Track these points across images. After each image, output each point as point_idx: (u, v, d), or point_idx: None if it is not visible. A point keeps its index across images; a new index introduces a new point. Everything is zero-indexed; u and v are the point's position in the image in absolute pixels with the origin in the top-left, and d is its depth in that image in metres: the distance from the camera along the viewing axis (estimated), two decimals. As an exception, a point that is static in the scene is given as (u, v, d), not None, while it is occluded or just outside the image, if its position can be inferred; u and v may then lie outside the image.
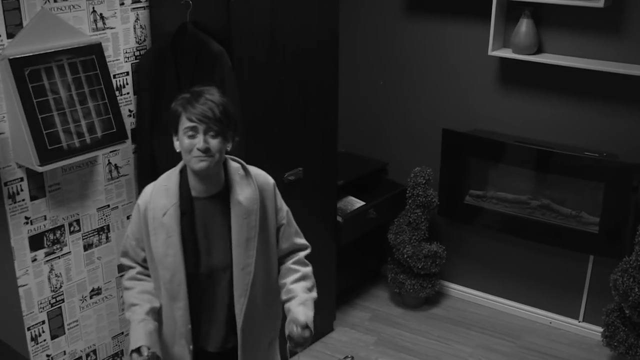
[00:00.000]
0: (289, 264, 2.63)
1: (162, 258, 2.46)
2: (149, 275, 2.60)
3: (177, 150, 2.41)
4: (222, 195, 2.46)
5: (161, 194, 2.47)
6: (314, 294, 2.61)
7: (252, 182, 2.49)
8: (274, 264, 2.61)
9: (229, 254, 2.45)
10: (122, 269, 2.79)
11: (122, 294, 2.67)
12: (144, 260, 2.59)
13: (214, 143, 2.34)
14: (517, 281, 4.62)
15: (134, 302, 2.56)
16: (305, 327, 2.46)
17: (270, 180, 2.57)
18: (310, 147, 3.89)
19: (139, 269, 2.62)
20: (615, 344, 3.98)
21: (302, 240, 2.69)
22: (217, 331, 2.54)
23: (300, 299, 2.54)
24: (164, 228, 2.44)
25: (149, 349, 2.45)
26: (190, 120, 2.31)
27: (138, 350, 2.45)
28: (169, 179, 2.49)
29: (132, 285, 2.60)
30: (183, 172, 2.48)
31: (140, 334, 2.48)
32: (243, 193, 2.46)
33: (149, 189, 2.53)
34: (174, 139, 2.40)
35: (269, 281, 2.59)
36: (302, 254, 2.67)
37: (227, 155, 2.47)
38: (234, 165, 2.51)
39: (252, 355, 2.58)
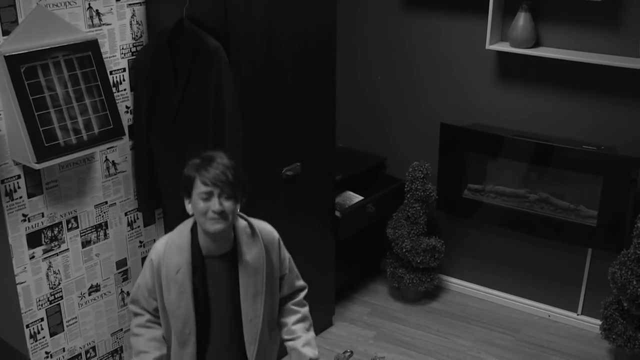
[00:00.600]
0: (290, 305, 2.82)
1: (174, 310, 2.61)
2: (158, 323, 2.74)
3: (190, 213, 2.54)
4: (231, 254, 2.61)
5: (174, 251, 2.59)
6: (313, 334, 2.84)
7: (258, 241, 2.64)
8: (277, 305, 2.79)
9: (237, 308, 2.62)
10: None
11: (130, 340, 2.79)
12: (155, 309, 2.72)
13: (228, 205, 2.46)
14: (516, 275, 4.63)
15: (143, 350, 2.70)
16: None
17: (275, 235, 2.72)
18: (308, 142, 3.89)
19: (148, 316, 2.74)
20: (614, 336, 3.98)
21: (301, 282, 2.87)
22: None
23: (304, 339, 2.77)
24: (177, 284, 2.58)
25: None
26: (205, 184, 2.43)
27: None
28: (180, 237, 2.61)
29: (141, 333, 2.73)
30: (194, 231, 2.60)
31: None
32: (250, 253, 2.61)
33: (161, 244, 2.64)
34: (186, 202, 2.53)
35: (272, 320, 2.78)
36: (302, 294, 2.86)
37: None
38: (242, 225, 2.63)
39: None
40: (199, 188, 2.45)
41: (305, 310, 2.85)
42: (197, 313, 2.60)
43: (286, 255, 2.79)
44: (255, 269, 2.61)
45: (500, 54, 4.24)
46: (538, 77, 4.18)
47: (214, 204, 2.44)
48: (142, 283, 2.70)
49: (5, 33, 2.97)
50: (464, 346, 4.31)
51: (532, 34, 4.01)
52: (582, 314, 4.46)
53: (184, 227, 2.63)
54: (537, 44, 4.08)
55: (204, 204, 2.45)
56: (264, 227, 2.71)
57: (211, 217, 2.45)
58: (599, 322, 4.21)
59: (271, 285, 2.69)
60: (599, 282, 4.26)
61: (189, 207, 2.53)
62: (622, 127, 4.00)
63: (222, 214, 2.45)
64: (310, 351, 2.75)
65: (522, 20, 3.99)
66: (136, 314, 2.77)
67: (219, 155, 2.50)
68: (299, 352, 2.75)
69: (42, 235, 3.33)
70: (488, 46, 4.11)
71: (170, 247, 2.61)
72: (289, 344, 2.79)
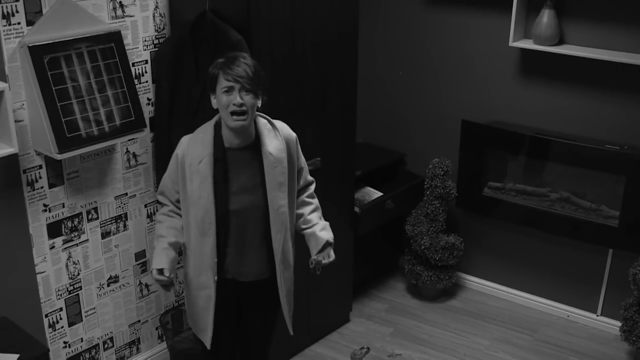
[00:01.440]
0: (303, 197, 3.09)
1: (196, 200, 2.82)
2: (179, 214, 2.97)
3: (215, 107, 2.78)
4: (253, 146, 2.85)
5: (197, 144, 2.83)
6: (326, 222, 3.11)
7: (279, 135, 2.89)
8: (295, 201, 3.03)
9: (263, 196, 2.84)
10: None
11: (154, 225, 3.15)
12: (177, 200, 2.96)
13: (248, 99, 2.71)
14: (535, 274, 4.60)
15: (162, 234, 2.94)
16: (331, 245, 3.01)
17: (292, 133, 2.98)
18: (328, 138, 3.88)
19: (171, 207, 2.98)
20: (634, 338, 3.95)
21: (309, 176, 3.14)
22: (251, 263, 2.92)
23: (320, 225, 3.06)
24: (199, 174, 2.80)
25: (170, 272, 2.86)
26: (228, 79, 2.68)
27: (161, 271, 2.85)
28: (204, 131, 2.85)
29: (163, 220, 2.98)
30: (217, 126, 2.84)
31: (164, 259, 2.87)
32: (272, 144, 2.85)
33: (185, 139, 2.88)
34: (212, 97, 2.77)
35: (292, 214, 3.01)
36: (312, 187, 3.14)
37: (256, 113, 2.83)
38: (262, 121, 2.89)
39: (286, 279, 3.01)
40: (222, 83, 2.70)
41: (317, 201, 3.14)
42: (217, 203, 2.80)
43: (301, 154, 3.05)
44: (278, 160, 2.85)
45: (524, 51, 4.21)
46: (561, 75, 4.14)
47: (235, 97, 2.69)
48: (167, 176, 2.96)
49: (30, 23, 2.98)
50: (482, 345, 4.29)
51: (556, 31, 3.97)
52: (601, 314, 4.43)
53: (208, 123, 2.87)
54: (560, 42, 4.04)
55: (227, 97, 2.70)
56: (283, 125, 2.96)
57: (232, 110, 2.70)
58: (618, 323, 4.17)
59: (291, 179, 2.93)
60: (620, 283, 4.22)
61: (214, 102, 2.77)
62: (646, 126, 3.96)
63: (242, 106, 2.69)
64: (327, 234, 3.02)
65: (546, 17, 3.95)
66: (162, 204, 3.02)
67: (242, 54, 2.77)
68: (316, 236, 3.01)
69: (63, 226, 3.34)
70: (511, 43, 4.08)
71: (195, 140, 2.85)
72: (307, 231, 3.05)
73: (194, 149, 2.84)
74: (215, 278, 2.90)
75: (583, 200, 4.24)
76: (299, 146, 3.02)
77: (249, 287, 2.98)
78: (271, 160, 2.84)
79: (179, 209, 2.98)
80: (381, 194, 4.49)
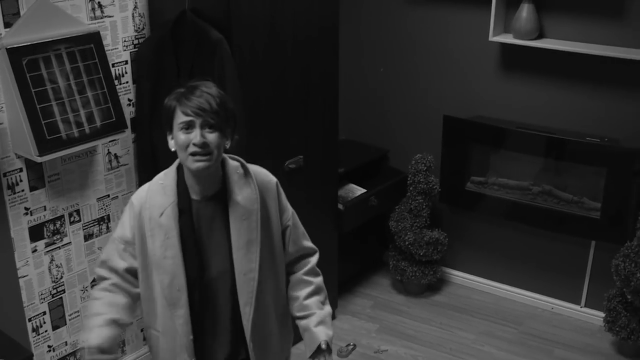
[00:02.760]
0: (300, 274, 2.50)
1: (160, 261, 2.29)
2: (125, 289, 2.40)
3: (172, 150, 2.25)
4: (220, 196, 2.31)
5: (158, 192, 2.31)
6: (329, 308, 2.51)
7: (251, 182, 2.34)
8: (282, 271, 2.47)
9: (228, 258, 2.30)
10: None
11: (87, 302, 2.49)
12: (126, 270, 2.38)
13: (212, 137, 2.18)
14: (519, 267, 4.62)
15: (98, 311, 2.34)
16: (328, 348, 2.41)
17: (272, 178, 2.42)
18: (311, 135, 3.87)
19: (114, 279, 2.39)
20: (617, 329, 3.98)
21: (310, 244, 2.55)
22: (222, 344, 2.38)
23: (318, 317, 2.44)
24: (162, 229, 2.28)
25: (112, 353, 2.29)
26: (186, 113, 2.16)
27: (97, 349, 2.25)
28: (165, 177, 2.34)
29: (101, 296, 2.38)
30: (180, 170, 2.33)
31: (101, 334, 2.28)
32: (242, 193, 2.31)
33: (143, 188, 2.37)
34: (169, 137, 2.25)
35: (279, 290, 2.46)
36: (313, 260, 2.53)
37: (225, 154, 2.32)
38: (233, 164, 2.35)
39: None
40: (180, 118, 2.17)
41: (319, 280, 2.51)
42: (186, 264, 2.27)
43: (288, 206, 2.47)
44: (248, 212, 2.29)
45: (504, 45, 4.22)
46: (541, 69, 4.16)
47: (196, 136, 2.16)
48: (118, 236, 2.39)
49: (7, 25, 2.95)
50: (467, 339, 4.30)
51: (536, 25, 3.99)
52: (585, 306, 4.45)
53: (170, 168, 2.35)
54: (540, 36, 4.05)
55: (185, 136, 2.17)
56: (259, 169, 2.41)
57: (192, 151, 2.17)
58: (602, 314, 4.20)
59: (269, 238, 2.36)
60: (602, 275, 4.25)
61: (171, 144, 2.24)
62: (626, 118, 3.98)
63: (204, 146, 2.16)
64: (323, 332, 2.41)
65: (525, 11, 3.97)
66: (101, 278, 2.41)
67: (205, 84, 2.23)
68: (311, 334, 2.42)
69: (44, 229, 3.32)
70: (491, 38, 4.09)
71: (154, 188, 2.32)
72: (301, 323, 2.46)
73: (155, 197, 2.30)
74: None
75: (565, 193, 4.26)
76: (282, 196, 2.44)
77: None
78: (239, 213, 2.28)
79: (127, 281, 2.39)
80: (364, 190, 4.49)
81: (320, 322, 2.43)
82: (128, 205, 2.38)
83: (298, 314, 2.48)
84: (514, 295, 4.68)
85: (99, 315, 2.32)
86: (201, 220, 2.31)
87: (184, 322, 2.30)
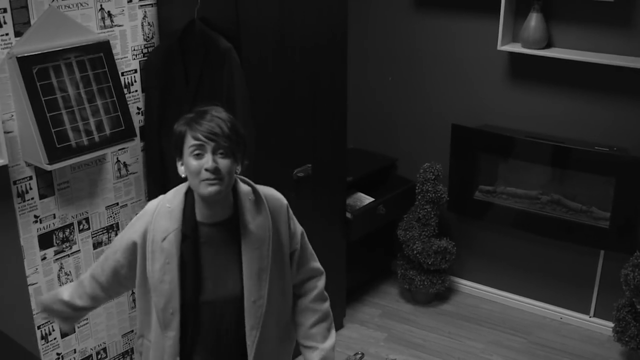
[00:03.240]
0: (308, 302, 2.48)
1: (157, 284, 2.28)
2: (100, 283, 2.44)
3: (182, 176, 2.23)
4: (231, 222, 2.28)
5: (164, 216, 2.29)
6: (333, 340, 2.50)
7: (263, 208, 2.32)
8: (289, 292, 2.45)
9: (239, 285, 2.29)
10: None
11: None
12: (106, 281, 2.42)
13: (224, 163, 2.15)
14: (527, 277, 4.60)
15: (69, 288, 2.50)
16: None
17: (283, 201, 2.40)
18: (319, 144, 3.88)
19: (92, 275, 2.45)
20: (627, 339, 3.96)
21: (317, 265, 2.52)
22: None
23: (320, 352, 2.46)
24: (163, 253, 2.26)
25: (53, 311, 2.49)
26: (197, 138, 2.13)
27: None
28: (173, 201, 2.31)
29: (67, 287, 2.52)
30: (189, 195, 2.29)
31: (49, 298, 2.51)
32: (254, 221, 2.28)
33: (152, 206, 2.35)
34: (178, 164, 2.23)
35: (284, 311, 2.46)
36: (320, 285, 2.51)
37: (237, 176, 2.30)
38: (244, 190, 2.31)
39: None
40: (190, 142, 2.14)
41: (326, 306, 2.50)
42: (183, 291, 2.26)
43: (298, 228, 2.44)
44: (261, 240, 2.28)
45: (512, 54, 4.22)
46: (550, 78, 4.16)
47: (207, 161, 2.12)
48: (114, 246, 2.39)
49: (18, 34, 2.97)
50: (476, 348, 4.29)
51: (544, 34, 3.99)
52: (594, 316, 4.44)
53: (178, 190, 2.32)
54: (549, 45, 4.06)
55: (197, 162, 2.14)
56: (270, 193, 2.38)
57: (204, 178, 2.14)
58: (611, 324, 4.18)
59: (279, 263, 2.35)
60: (612, 284, 4.23)
61: (181, 170, 2.22)
62: (635, 128, 3.97)
63: (216, 172, 2.13)
64: None
65: (534, 20, 3.97)
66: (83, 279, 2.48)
67: (215, 109, 2.20)
68: None
69: (54, 237, 3.33)
70: (500, 47, 4.09)
71: (161, 210, 2.30)
72: (304, 354, 2.49)
73: (160, 221, 2.28)
74: None
75: (574, 202, 4.25)
76: (292, 218, 2.42)
77: None
78: (252, 241, 2.26)
79: (102, 285, 2.42)
80: (373, 199, 4.49)
81: (326, 356, 2.45)
82: (133, 224, 2.37)
83: (303, 342, 2.49)
84: (523, 305, 4.67)
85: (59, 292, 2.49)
86: (209, 244, 2.29)
87: (173, 343, 2.30)
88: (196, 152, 2.14)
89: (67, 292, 2.48)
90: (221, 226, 2.28)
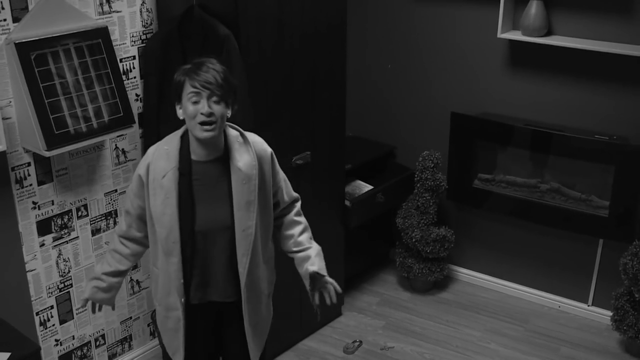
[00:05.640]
0: (291, 216, 2.87)
1: (159, 217, 2.61)
2: (133, 241, 2.83)
3: (181, 118, 2.55)
4: (221, 160, 2.62)
5: (162, 156, 2.61)
6: (317, 246, 2.88)
7: (250, 149, 2.64)
8: (271, 222, 2.80)
9: (229, 216, 2.62)
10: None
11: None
12: (139, 216, 2.76)
13: (217, 108, 2.49)
14: (526, 265, 4.61)
15: (107, 258, 2.88)
16: (323, 275, 2.80)
17: (267, 148, 2.72)
18: (318, 131, 3.87)
19: (125, 229, 2.82)
20: (625, 327, 3.97)
21: (293, 193, 2.91)
22: (216, 287, 2.72)
23: (314, 249, 2.84)
24: (163, 189, 2.59)
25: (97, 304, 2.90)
26: (194, 87, 2.46)
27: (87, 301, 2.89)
28: (170, 143, 2.63)
29: (114, 240, 2.89)
30: (184, 137, 2.62)
31: (91, 290, 2.86)
32: (242, 159, 2.61)
33: (151, 150, 2.67)
34: (177, 107, 2.56)
35: (267, 239, 2.79)
36: (298, 205, 2.91)
37: (226, 123, 2.62)
38: (233, 133, 2.65)
39: (254, 308, 2.79)
40: (188, 90, 2.48)
41: (304, 219, 2.91)
42: (182, 220, 2.60)
43: (281, 173, 2.81)
44: (248, 177, 2.61)
45: (512, 42, 4.21)
46: (550, 66, 4.15)
47: (203, 106, 2.47)
48: (130, 189, 2.75)
49: (16, 20, 2.96)
50: (473, 336, 4.30)
51: (544, 22, 3.98)
52: (592, 304, 4.44)
53: (174, 134, 2.65)
54: (549, 33, 4.04)
55: (194, 107, 2.48)
56: (256, 139, 2.72)
57: (200, 121, 2.48)
58: (609, 313, 4.19)
59: (263, 197, 2.68)
60: (610, 273, 4.23)
61: (179, 112, 2.55)
62: (635, 116, 3.96)
63: (210, 116, 2.47)
64: (320, 265, 2.82)
65: (534, 8, 3.95)
66: (120, 229, 2.85)
67: (210, 61, 2.54)
68: (312, 261, 2.81)
69: (52, 223, 3.33)
70: (499, 35, 4.08)
71: (159, 152, 2.63)
72: (299, 254, 2.84)
73: (159, 161, 2.61)
74: (183, 300, 2.69)
75: (573, 190, 4.25)
76: (275, 163, 2.77)
77: (217, 308, 2.78)
78: (240, 177, 2.60)
79: (138, 229, 2.79)
80: (371, 187, 4.49)
81: (317, 254, 2.83)
82: (136, 171, 2.69)
83: (295, 249, 2.86)
84: (521, 293, 4.67)
85: (97, 277, 2.86)
86: (203, 179, 2.61)
87: (177, 269, 2.65)
88: (193, 98, 2.48)
89: (104, 266, 2.86)
90: (213, 164, 2.61)
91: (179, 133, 2.64)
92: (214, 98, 2.48)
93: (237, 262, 2.66)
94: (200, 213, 2.62)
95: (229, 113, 2.57)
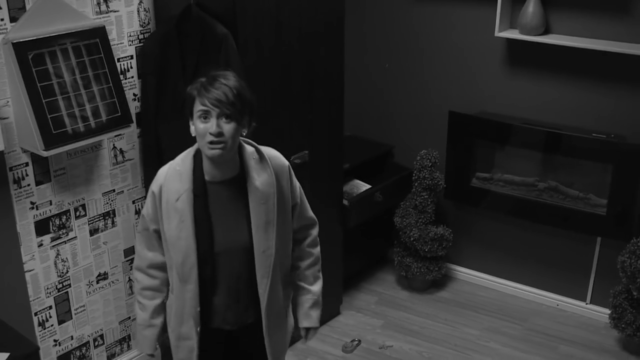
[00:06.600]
0: (305, 246, 2.76)
1: (174, 241, 2.49)
2: (157, 286, 2.73)
3: (193, 135, 2.41)
4: (238, 179, 2.49)
5: (175, 178, 2.49)
6: (321, 282, 2.81)
7: (267, 167, 2.52)
8: (290, 241, 2.69)
9: (248, 237, 2.50)
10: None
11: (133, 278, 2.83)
12: (156, 264, 2.69)
13: (227, 128, 2.33)
14: (524, 264, 4.61)
15: (140, 300, 2.75)
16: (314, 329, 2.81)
17: (284, 162, 2.60)
18: (316, 130, 3.87)
19: (148, 282, 2.72)
20: (623, 325, 3.97)
21: (312, 214, 2.79)
22: (235, 309, 2.61)
23: (313, 296, 2.76)
24: (177, 212, 2.47)
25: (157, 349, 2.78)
26: (203, 104, 2.32)
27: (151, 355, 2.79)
28: (182, 163, 2.50)
29: (139, 278, 2.74)
30: (197, 156, 2.49)
31: (147, 342, 2.76)
32: (260, 178, 2.49)
33: (163, 171, 2.54)
34: (190, 123, 2.41)
35: (286, 259, 2.69)
36: (314, 233, 2.78)
37: (241, 139, 2.47)
38: (249, 150, 2.52)
39: (275, 330, 2.68)
40: (198, 107, 2.34)
41: (318, 250, 2.80)
42: (198, 245, 2.48)
43: (297, 184, 2.67)
44: (266, 196, 2.49)
45: (510, 41, 4.21)
46: (547, 65, 4.15)
47: (212, 126, 2.32)
48: (145, 213, 2.62)
49: (13, 20, 2.95)
50: (472, 335, 4.30)
51: (542, 20, 3.98)
52: (590, 303, 4.45)
53: (187, 153, 2.53)
54: (546, 31, 4.04)
55: (203, 125, 2.33)
56: (273, 153, 2.59)
57: (209, 140, 2.33)
58: (608, 311, 4.20)
59: (283, 216, 2.57)
60: (608, 271, 4.24)
61: (192, 129, 2.40)
62: (633, 115, 3.97)
63: (219, 135, 2.32)
64: (311, 318, 2.78)
65: (531, 6, 3.96)
66: (138, 282, 2.74)
67: (225, 75, 2.38)
68: (306, 314, 2.77)
69: (50, 223, 3.32)
70: (497, 33, 4.08)
71: (172, 173, 2.50)
72: (298, 294, 2.78)
73: (171, 183, 2.48)
74: (198, 329, 2.59)
75: (571, 189, 4.25)
76: (292, 176, 2.63)
77: (235, 335, 2.68)
78: (258, 197, 2.47)
79: (159, 274, 2.70)
80: (370, 186, 4.49)
81: (314, 304, 2.77)
82: (149, 192, 2.57)
83: (297, 282, 2.77)
84: (519, 292, 4.67)
85: (140, 305, 2.74)
86: (218, 201, 2.49)
87: (193, 295, 2.53)
88: (203, 116, 2.34)
89: (144, 313, 2.75)
90: (229, 184, 2.49)
91: (191, 152, 2.52)
92: (224, 117, 2.32)
93: (257, 284, 2.55)
94: (218, 235, 2.50)
95: (244, 132, 2.42)
